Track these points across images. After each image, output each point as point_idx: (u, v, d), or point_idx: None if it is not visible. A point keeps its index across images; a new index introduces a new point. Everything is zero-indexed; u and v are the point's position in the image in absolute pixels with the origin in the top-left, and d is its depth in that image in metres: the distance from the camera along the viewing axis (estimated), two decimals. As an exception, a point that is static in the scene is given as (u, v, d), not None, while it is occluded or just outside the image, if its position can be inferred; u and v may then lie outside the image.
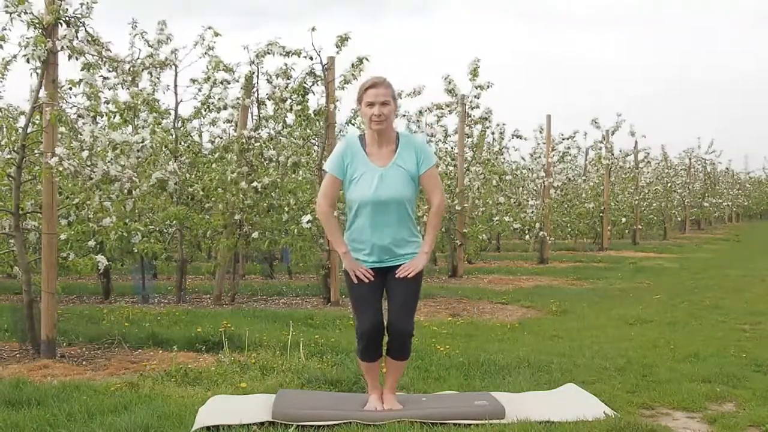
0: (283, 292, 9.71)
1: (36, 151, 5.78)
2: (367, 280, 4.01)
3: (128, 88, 8.29)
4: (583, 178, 19.40)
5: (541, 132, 16.93)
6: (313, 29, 8.55)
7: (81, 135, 5.62)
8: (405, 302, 4.03)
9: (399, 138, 4.08)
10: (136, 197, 7.20)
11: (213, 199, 8.94)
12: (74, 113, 6.99)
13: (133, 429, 3.76)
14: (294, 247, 8.55)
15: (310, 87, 8.82)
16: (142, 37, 8.85)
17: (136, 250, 7.77)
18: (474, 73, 12.05)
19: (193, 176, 9.28)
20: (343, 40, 8.68)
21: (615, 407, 4.23)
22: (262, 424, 3.93)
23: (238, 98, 9.15)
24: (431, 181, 4.09)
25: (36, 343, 5.65)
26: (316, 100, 9.00)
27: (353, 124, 10.01)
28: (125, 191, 6.01)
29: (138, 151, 5.86)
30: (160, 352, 5.89)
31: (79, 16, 5.51)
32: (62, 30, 5.47)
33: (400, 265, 4.05)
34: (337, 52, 8.73)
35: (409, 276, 4.01)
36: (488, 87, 12.27)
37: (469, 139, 13.08)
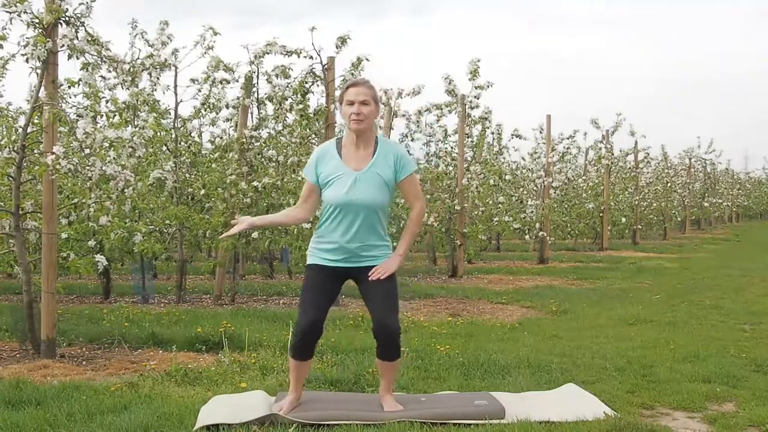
0: (283, 292, 9.71)
1: (36, 151, 5.78)
2: (235, 230, 4.04)
3: (128, 88, 8.29)
4: (583, 178, 19.39)
5: (540, 132, 16.92)
6: (313, 29, 8.55)
7: (76, 133, 5.61)
8: (386, 302, 4.00)
9: (377, 142, 4.07)
10: (130, 196, 7.19)
11: (213, 198, 8.95)
12: (74, 113, 6.99)
13: (133, 429, 3.76)
14: (294, 247, 8.55)
15: (310, 87, 8.83)
16: (142, 37, 8.86)
17: (136, 250, 7.77)
18: (474, 73, 12.04)
19: (192, 176, 9.29)
20: (343, 41, 8.69)
21: (615, 407, 4.23)
22: (262, 423, 3.93)
23: (238, 98, 9.15)
24: (411, 187, 4.09)
25: (36, 343, 5.65)
26: (316, 100, 9.02)
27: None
28: (119, 189, 5.99)
29: (130, 147, 5.83)
30: (160, 352, 5.89)
31: (79, 15, 5.50)
32: (62, 30, 5.46)
33: (366, 267, 4.03)
34: (337, 52, 8.74)
35: (381, 278, 3.99)
36: (488, 87, 12.28)
37: (469, 139, 13.09)
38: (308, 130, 9.22)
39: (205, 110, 9.28)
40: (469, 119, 12.85)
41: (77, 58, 5.62)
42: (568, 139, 17.92)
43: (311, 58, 8.67)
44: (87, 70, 5.83)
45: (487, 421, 3.95)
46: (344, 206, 3.96)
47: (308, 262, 4.13)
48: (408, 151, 12.82)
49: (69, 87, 6.16)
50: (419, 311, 8.27)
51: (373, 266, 4.02)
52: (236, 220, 4.17)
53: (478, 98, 12.34)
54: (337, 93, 8.82)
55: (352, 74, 8.77)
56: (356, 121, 3.95)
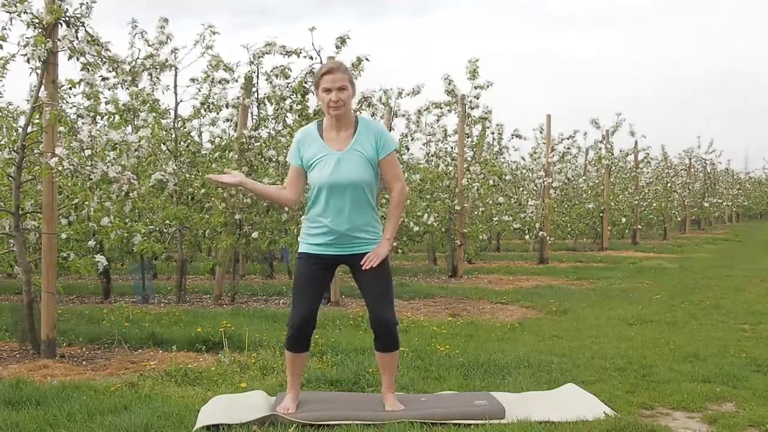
0: (283, 292, 9.71)
1: (36, 151, 5.78)
2: (226, 179, 4.08)
3: (128, 89, 8.28)
4: (583, 178, 19.39)
5: (541, 132, 16.93)
6: (313, 29, 8.55)
7: (80, 135, 5.61)
8: (381, 293, 4.01)
9: (358, 122, 4.06)
10: (134, 198, 7.18)
11: (213, 198, 8.95)
12: (74, 113, 6.99)
13: (133, 429, 3.76)
14: (293, 247, 8.55)
15: (310, 87, 8.82)
16: (142, 37, 8.85)
17: (135, 250, 7.77)
18: (473, 73, 12.05)
19: (192, 176, 9.28)
20: (342, 41, 8.69)
21: (615, 407, 4.23)
22: (262, 423, 3.93)
23: (238, 98, 9.15)
24: (391, 166, 4.06)
25: (36, 343, 5.65)
26: (315, 100, 9.01)
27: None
28: (123, 192, 6.00)
29: (136, 150, 5.85)
30: (160, 352, 5.89)
31: (79, 16, 5.51)
32: (62, 30, 5.47)
33: (356, 255, 4.01)
34: (337, 53, 8.73)
35: (374, 266, 3.98)
36: (488, 87, 12.29)
37: (469, 139, 13.09)
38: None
39: (205, 110, 9.28)
40: (469, 119, 12.85)
41: (77, 59, 5.62)
42: (568, 139, 17.94)
43: (311, 58, 8.67)
44: (87, 70, 5.83)
45: (487, 421, 3.95)
46: (330, 187, 3.95)
47: (299, 251, 4.12)
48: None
49: (69, 88, 6.16)
50: (419, 311, 8.27)
51: (364, 253, 4.00)
52: (229, 171, 4.22)
53: (478, 98, 12.36)
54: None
55: (352, 74, 8.75)
56: (335, 108, 3.95)
